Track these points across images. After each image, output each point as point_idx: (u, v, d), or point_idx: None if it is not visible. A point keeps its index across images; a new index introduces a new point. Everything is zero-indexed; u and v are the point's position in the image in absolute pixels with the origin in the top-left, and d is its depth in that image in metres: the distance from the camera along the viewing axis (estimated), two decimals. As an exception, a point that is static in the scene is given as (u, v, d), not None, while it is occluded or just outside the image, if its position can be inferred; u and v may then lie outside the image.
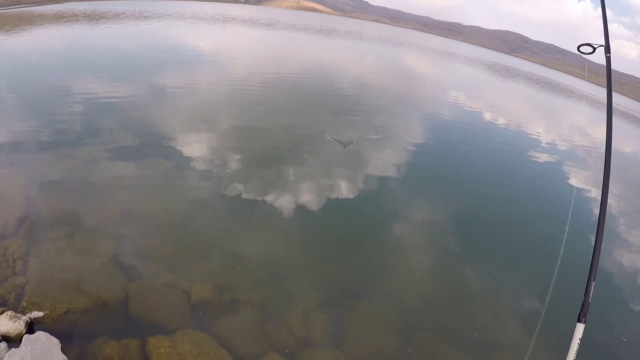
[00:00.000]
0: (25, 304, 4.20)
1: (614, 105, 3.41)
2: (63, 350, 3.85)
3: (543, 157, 14.32)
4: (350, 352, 4.75)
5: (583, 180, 12.44)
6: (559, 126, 23.28)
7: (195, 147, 8.76)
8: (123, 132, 8.59)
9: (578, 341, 2.45)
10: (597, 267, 2.62)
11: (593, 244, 2.73)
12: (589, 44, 3.24)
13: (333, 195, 7.95)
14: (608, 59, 3.29)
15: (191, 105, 11.05)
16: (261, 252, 6.03)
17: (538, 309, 5.76)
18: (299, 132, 11.11)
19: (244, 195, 7.33)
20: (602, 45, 3.22)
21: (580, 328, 2.47)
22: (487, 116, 19.72)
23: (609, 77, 3.36)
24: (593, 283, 2.56)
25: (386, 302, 5.70)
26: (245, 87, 14.55)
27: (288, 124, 11.51)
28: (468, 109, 20.52)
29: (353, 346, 4.84)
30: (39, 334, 3.87)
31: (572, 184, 12.05)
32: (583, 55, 3.37)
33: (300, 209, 7.32)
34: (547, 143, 16.95)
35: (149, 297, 4.72)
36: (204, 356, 4.20)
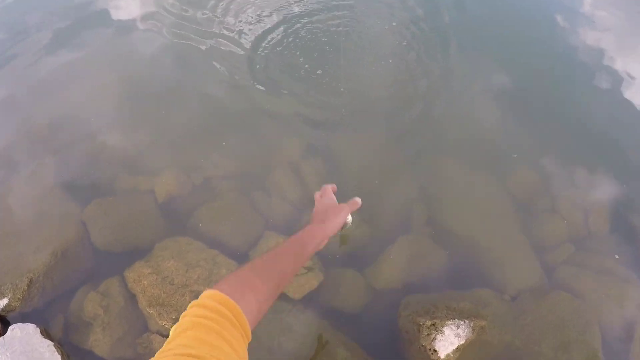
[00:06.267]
0: (-17, 292, 3.67)
1: None
2: (45, 333, 3.40)
3: None
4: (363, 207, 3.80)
5: None
6: None
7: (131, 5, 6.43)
8: (50, 18, 6.30)
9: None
10: None
11: None
12: None
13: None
14: None
15: None
16: (210, 96, 4.75)
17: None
18: None
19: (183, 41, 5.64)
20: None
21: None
22: None
23: None
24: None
25: (371, 121, 4.45)
26: None
27: None
28: None
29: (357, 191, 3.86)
30: (13, 329, 3.39)
31: None
32: None
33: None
34: None
35: (110, 217, 3.90)
36: (194, 268, 3.53)
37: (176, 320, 1.28)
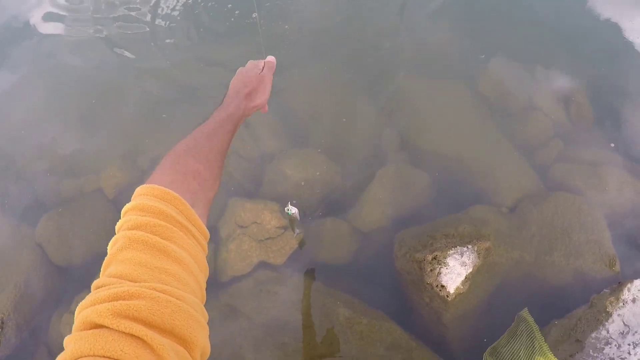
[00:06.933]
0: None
1: None
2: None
3: None
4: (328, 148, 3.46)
5: None
6: None
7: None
8: None
9: None
10: None
11: None
12: None
13: None
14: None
15: None
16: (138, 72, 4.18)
17: None
18: None
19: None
20: None
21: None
22: None
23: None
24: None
25: (322, 55, 3.98)
26: None
27: None
28: None
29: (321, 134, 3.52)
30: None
31: None
32: None
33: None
34: None
35: (63, 230, 3.49)
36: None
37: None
